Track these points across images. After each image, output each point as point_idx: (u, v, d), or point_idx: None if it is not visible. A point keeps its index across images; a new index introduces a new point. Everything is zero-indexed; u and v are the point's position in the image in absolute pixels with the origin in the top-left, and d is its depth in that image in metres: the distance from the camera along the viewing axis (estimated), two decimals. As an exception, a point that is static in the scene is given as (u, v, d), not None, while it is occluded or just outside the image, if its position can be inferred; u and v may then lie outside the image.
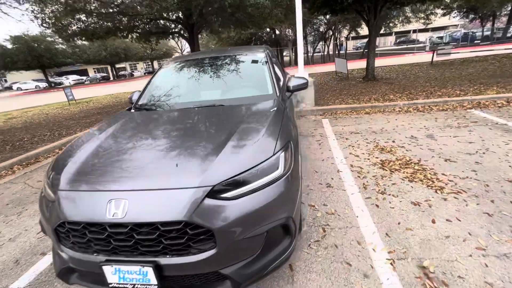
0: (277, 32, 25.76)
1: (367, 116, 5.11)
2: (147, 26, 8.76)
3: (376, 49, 11.32)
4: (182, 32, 10.12)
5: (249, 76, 2.58)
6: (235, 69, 2.64)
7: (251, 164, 1.34)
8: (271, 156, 1.40)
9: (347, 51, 28.25)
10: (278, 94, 2.27)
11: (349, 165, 3.16)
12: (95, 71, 44.42)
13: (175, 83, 2.63)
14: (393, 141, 3.72)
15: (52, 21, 7.77)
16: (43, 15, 7.61)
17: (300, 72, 5.87)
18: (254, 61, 2.67)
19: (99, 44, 28.06)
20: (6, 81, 40.47)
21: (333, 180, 2.86)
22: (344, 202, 2.44)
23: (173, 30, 10.27)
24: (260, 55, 2.71)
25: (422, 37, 31.20)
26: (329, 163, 3.26)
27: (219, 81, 2.50)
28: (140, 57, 39.36)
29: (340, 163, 3.23)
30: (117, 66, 41.23)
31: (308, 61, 24.69)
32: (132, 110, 2.38)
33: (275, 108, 1.90)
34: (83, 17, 7.85)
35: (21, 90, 32.35)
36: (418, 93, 6.29)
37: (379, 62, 14.59)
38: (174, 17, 8.57)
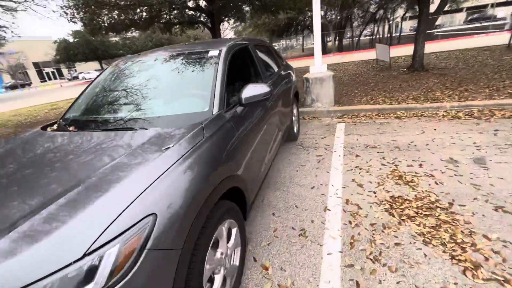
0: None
1: (396, 122, 3.98)
2: (168, 16, 8.50)
3: (438, 30, 9.26)
4: (204, 21, 9.65)
5: (186, 85, 1.91)
6: (172, 75, 1.99)
7: (35, 273, 0.74)
8: (76, 260, 0.77)
9: (402, 34, 24.70)
10: (217, 112, 1.59)
11: (345, 200, 2.31)
12: None
13: (99, 93, 2.10)
14: (420, 165, 2.69)
15: (80, 16, 7.98)
16: (72, 11, 7.86)
17: (317, 64, 4.89)
18: (201, 63, 1.98)
19: (145, 35, 29.65)
20: (75, 71, 46.19)
21: (313, 224, 2.08)
22: (312, 268, 1.68)
23: (197, 19, 9.87)
24: (213, 53, 2.00)
25: (502, 12, 25.44)
26: (319, 194, 2.46)
27: (148, 91, 1.89)
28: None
29: (333, 196, 2.40)
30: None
31: (352, 47, 22.26)
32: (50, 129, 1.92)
33: (180, 143, 1.24)
34: (105, 11, 7.89)
35: (85, 79, 36.46)
36: (478, 89, 4.75)
37: (436, 46, 12.17)
38: (193, 4, 8.11)
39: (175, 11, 8.45)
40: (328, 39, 22.90)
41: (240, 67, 2.23)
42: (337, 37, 23.73)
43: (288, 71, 3.57)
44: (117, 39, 32.89)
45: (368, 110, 4.55)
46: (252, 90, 1.77)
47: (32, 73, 39.32)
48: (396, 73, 7.47)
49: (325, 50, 22.19)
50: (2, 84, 35.42)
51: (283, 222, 2.14)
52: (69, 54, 29.00)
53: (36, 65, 39.57)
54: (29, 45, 35.10)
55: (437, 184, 2.35)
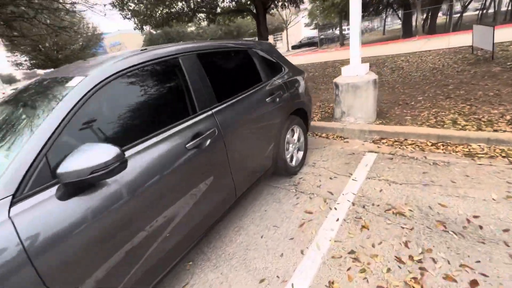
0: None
1: (462, 165, 2.45)
2: (210, 5, 8.05)
3: None
4: (251, 9, 8.82)
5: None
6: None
7: None
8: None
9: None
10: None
11: (292, 332, 1.33)
12: None
13: None
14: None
15: (133, 13, 8.33)
16: (126, 10, 8.25)
17: (353, 63, 3.54)
18: (47, 100, 1.27)
19: (216, 24, 30.65)
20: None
21: None
22: None
23: (247, 5, 9.13)
24: (69, 83, 1.26)
25: None
26: (263, 299, 1.53)
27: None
28: (252, 34, 40.83)
29: (280, 312, 1.43)
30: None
31: (448, 27, 17.50)
32: None
33: None
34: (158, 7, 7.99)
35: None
36: None
37: None
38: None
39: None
40: (418, 17, 18.34)
41: (139, 103, 1.43)
42: (429, 15, 19.02)
43: (282, 82, 2.51)
44: (192, 29, 35.19)
45: (421, 136, 3.04)
46: (76, 161, 0.98)
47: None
48: (499, 69, 5.12)
49: (410, 32, 18.18)
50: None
51: None
52: (152, 45, 32.66)
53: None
54: (127, 38, 41.32)
55: None
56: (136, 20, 7.98)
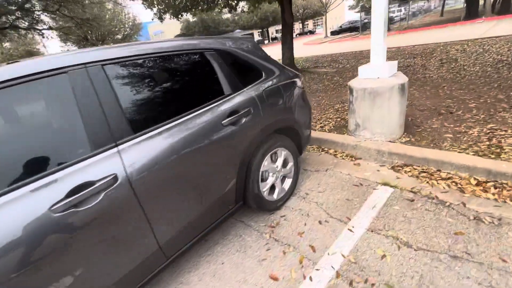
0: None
1: (526, 227, 1.60)
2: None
3: None
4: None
5: None
6: None
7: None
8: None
9: None
10: None
11: None
12: (258, 35, 49.31)
13: None
14: None
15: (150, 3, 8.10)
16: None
17: (374, 62, 2.70)
18: None
19: (251, 10, 29.76)
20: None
21: None
22: None
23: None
24: None
25: None
26: None
27: None
28: (290, 19, 39.08)
29: None
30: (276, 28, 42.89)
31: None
32: None
33: None
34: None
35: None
36: None
37: None
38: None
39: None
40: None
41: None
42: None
43: (256, 94, 1.84)
44: (228, 15, 34.75)
45: (463, 168, 2.15)
46: None
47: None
48: None
49: (476, 13, 15.22)
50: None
51: None
52: (189, 32, 33.13)
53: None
54: (168, 26, 42.69)
55: None
56: (154, 9, 7.73)
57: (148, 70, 1.43)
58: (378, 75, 2.66)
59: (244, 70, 1.90)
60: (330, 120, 3.70)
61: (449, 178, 2.14)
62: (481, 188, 1.97)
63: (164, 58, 1.50)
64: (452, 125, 2.87)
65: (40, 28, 7.87)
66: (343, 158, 2.82)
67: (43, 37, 8.85)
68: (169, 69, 1.53)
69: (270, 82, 2.01)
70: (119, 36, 27.20)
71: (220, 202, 1.68)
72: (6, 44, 23.48)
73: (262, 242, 1.89)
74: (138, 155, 1.26)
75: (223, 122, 1.60)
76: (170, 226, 1.41)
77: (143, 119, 1.34)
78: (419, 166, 2.37)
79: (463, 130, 2.71)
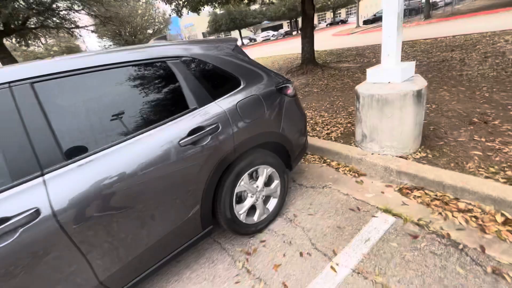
0: None
1: None
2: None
3: None
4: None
5: None
6: None
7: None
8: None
9: None
10: None
11: None
12: (288, 25, 48.22)
13: None
14: None
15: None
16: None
17: (386, 58, 2.30)
18: None
19: (279, 1, 28.84)
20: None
21: None
22: None
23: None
24: None
25: None
26: None
27: None
28: (320, 8, 37.42)
29: None
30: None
31: None
32: None
33: None
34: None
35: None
36: None
37: None
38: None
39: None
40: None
41: None
42: None
43: (227, 109, 1.59)
44: (256, 7, 34.19)
45: (488, 199, 1.72)
46: None
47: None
48: None
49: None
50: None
51: None
52: (216, 25, 33.21)
53: (203, 35, 49.24)
54: (198, 19, 43.39)
55: None
56: (172, 5, 7.70)
57: (91, 86, 1.28)
58: (389, 80, 2.26)
59: (218, 80, 1.68)
60: (339, 126, 3.33)
61: (468, 211, 1.74)
62: (509, 228, 1.55)
63: (112, 72, 1.33)
64: (483, 139, 2.37)
65: (68, 27, 8.37)
66: (345, 173, 2.48)
67: (72, 36, 9.44)
68: (117, 84, 1.36)
69: (248, 92, 1.76)
70: (150, 31, 28.20)
71: (180, 230, 1.50)
72: (51, 41, 25.61)
73: (232, 272, 1.69)
74: (68, 184, 1.12)
75: (180, 142, 1.40)
76: (113, 261, 1.27)
77: (79, 144, 1.19)
78: (432, 191, 1.97)
79: (496, 147, 2.22)
